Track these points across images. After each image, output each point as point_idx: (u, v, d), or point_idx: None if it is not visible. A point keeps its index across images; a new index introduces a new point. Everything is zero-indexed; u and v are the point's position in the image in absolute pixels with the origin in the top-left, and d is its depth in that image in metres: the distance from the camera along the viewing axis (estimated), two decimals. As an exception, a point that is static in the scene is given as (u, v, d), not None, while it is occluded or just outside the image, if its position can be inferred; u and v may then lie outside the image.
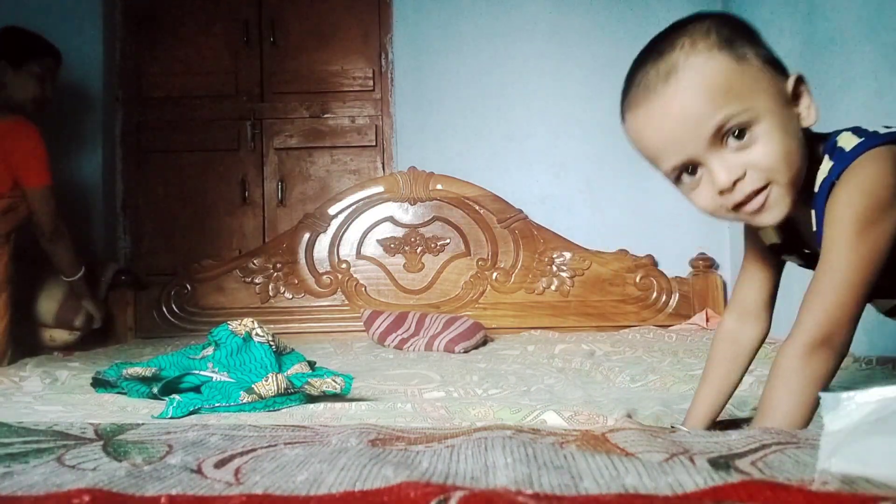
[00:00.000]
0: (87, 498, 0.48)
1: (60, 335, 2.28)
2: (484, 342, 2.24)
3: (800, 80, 0.85)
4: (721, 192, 0.82)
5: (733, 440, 0.66)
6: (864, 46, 1.71)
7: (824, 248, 0.84)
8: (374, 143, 2.86)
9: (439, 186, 2.68)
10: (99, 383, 1.43)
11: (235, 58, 2.88)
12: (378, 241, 2.69)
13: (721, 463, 0.57)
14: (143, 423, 0.78)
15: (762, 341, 1.01)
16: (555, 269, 2.64)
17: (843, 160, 0.84)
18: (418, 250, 2.68)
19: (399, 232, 2.69)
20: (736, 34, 0.82)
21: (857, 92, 1.73)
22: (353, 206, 2.70)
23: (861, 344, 1.66)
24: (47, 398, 1.38)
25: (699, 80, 0.80)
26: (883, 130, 0.85)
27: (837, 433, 0.53)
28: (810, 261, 0.95)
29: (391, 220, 2.70)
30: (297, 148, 2.87)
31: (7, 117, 2.06)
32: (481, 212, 2.67)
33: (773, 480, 0.52)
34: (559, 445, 0.64)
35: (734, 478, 0.52)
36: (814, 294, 0.82)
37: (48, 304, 2.26)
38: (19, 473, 0.57)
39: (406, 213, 2.70)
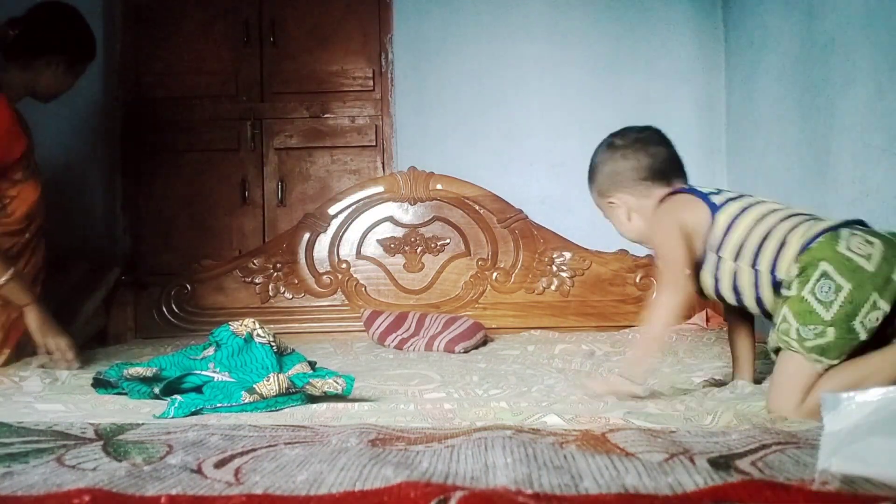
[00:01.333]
0: (87, 498, 0.48)
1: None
2: (484, 342, 2.24)
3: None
4: None
5: (733, 440, 0.66)
6: (864, 46, 1.71)
7: None
8: (374, 143, 2.86)
9: (439, 186, 2.68)
10: (100, 384, 1.43)
11: (235, 58, 2.88)
12: (378, 241, 2.69)
13: (721, 463, 0.57)
14: (143, 423, 0.78)
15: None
16: (555, 269, 2.63)
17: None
18: (418, 250, 2.67)
19: (399, 232, 2.69)
20: None
21: (857, 92, 1.73)
22: (353, 206, 2.69)
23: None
24: (47, 398, 1.38)
25: None
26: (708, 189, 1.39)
27: (837, 433, 0.53)
28: None
29: (391, 220, 2.70)
30: (297, 148, 2.87)
31: None
32: (481, 212, 2.67)
33: (773, 480, 0.52)
34: (559, 445, 0.64)
35: (734, 478, 0.52)
36: None
37: None
38: (19, 473, 0.57)
39: (406, 213, 2.70)
